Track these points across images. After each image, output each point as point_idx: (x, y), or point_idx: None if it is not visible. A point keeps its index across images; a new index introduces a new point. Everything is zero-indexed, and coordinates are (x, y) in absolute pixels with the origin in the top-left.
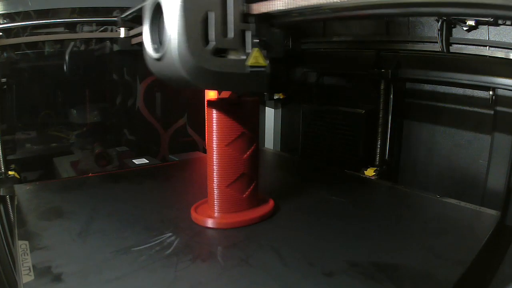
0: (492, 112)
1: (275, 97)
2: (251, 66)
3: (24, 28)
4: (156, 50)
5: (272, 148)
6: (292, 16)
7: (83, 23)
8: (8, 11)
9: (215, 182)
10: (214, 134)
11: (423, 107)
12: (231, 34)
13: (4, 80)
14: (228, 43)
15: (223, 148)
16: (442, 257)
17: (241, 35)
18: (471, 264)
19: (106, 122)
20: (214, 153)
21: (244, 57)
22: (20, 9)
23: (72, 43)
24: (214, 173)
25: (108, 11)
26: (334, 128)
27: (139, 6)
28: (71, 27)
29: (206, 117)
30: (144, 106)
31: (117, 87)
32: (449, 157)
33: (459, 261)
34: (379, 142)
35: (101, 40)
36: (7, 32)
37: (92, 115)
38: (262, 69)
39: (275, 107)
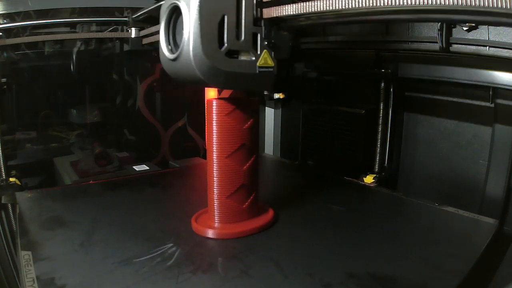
0: (492, 112)
1: (275, 97)
2: (261, 67)
3: (24, 28)
4: (171, 50)
5: (272, 149)
6: (300, 20)
7: (83, 23)
8: (8, 11)
9: (215, 193)
10: (214, 145)
11: (423, 107)
12: (243, 36)
13: (4, 80)
14: (240, 45)
15: (223, 160)
16: (439, 268)
17: (252, 37)
18: (467, 275)
19: (106, 122)
20: (214, 165)
21: (254, 58)
22: (20, 9)
23: (76, 43)
24: (214, 185)
25: (107, 11)
26: (334, 128)
27: (152, 7)
28: (72, 27)
29: (206, 127)
30: (144, 106)
31: (117, 87)
32: (449, 157)
33: (455, 272)
34: (378, 145)
35: (101, 40)
36: (7, 32)
37: (92, 115)
38: (270, 69)
39: (275, 107)
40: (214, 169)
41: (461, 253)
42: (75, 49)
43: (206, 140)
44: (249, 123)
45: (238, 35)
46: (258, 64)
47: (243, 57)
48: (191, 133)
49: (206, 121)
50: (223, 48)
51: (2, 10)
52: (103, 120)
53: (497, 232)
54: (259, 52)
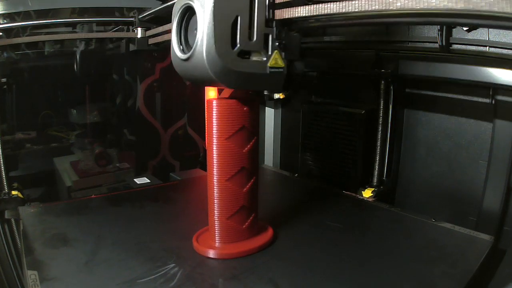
0: (492, 111)
1: (275, 97)
2: (271, 67)
3: (24, 28)
4: (183, 51)
5: (272, 150)
6: (310, 21)
7: (86, 23)
8: (8, 11)
9: (215, 215)
10: (214, 169)
11: (423, 106)
12: (255, 37)
13: (4, 80)
14: (252, 45)
15: (224, 183)
16: None
17: (263, 38)
18: None
19: (106, 122)
20: (215, 187)
21: (265, 58)
22: (20, 9)
23: (76, 43)
24: (215, 206)
25: (108, 11)
26: (334, 129)
27: (159, 7)
28: (73, 27)
29: (206, 146)
30: (144, 106)
31: (117, 87)
32: (449, 159)
33: None
34: (378, 148)
35: (101, 40)
36: (7, 32)
37: (92, 115)
38: (281, 70)
39: (275, 107)
40: (215, 191)
41: (455, 272)
42: (75, 49)
43: (207, 163)
44: (249, 146)
45: (250, 36)
46: (269, 64)
47: (254, 58)
48: (191, 133)
49: (206, 137)
50: (236, 49)
51: (2, 10)
52: (103, 120)
53: (492, 249)
54: (270, 53)
